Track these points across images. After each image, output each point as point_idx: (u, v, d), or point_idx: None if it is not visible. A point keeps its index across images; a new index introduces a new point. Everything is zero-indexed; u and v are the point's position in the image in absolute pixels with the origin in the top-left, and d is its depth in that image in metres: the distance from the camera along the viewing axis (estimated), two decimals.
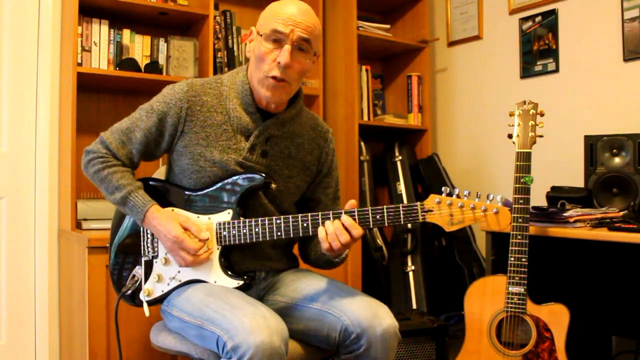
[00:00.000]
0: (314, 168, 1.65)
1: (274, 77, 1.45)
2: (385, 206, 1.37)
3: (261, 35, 1.46)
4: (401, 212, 1.36)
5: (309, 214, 1.42)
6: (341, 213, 1.38)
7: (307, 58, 1.49)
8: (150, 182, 1.59)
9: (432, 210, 1.35)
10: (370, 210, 1.37)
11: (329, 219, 1.39)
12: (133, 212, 1.50)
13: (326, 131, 1.68)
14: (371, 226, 1.38)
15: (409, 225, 2.94)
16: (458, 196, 1.36)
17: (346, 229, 1.36)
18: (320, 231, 1.38)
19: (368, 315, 1.39)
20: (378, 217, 1.37)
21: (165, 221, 1.47)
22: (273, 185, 1.51)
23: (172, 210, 1.53)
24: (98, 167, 1.52)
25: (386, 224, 1.37)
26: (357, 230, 1.36)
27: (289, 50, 1.43)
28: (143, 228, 1.56)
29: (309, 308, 1.47)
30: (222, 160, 1.51)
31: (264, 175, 1.50)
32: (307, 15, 1.47)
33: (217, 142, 1.52)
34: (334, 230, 1.36)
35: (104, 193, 1.55)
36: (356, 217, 1.37)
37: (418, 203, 1.36)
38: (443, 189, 1.35)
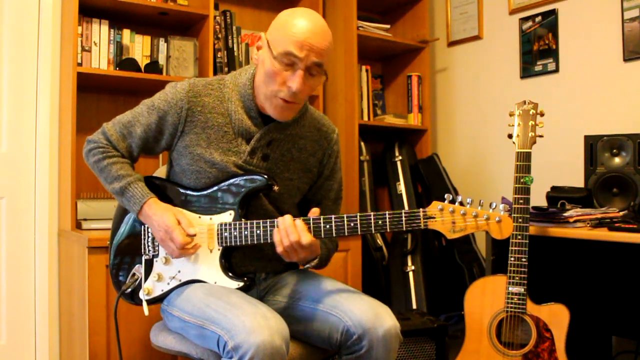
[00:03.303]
0: (316, 170, 1.64)
1: (283, 99, 1.43)
2: (387, 212, 1.36)
3: (272, 50, 1.40)
4: (403, 218, 1.35)
5: (310, 217, 1.41)
6: (330, 218, 1.39)
7: (318, 81, 1.45)
8: (152, 181, 1.59)
9: (434, 217, 1.35)
10: (372, 216, 1.37)
11: (330, 222, 1.39)
12: (130, 202, 1.50)
13: (331, 132, 1.65)
14: (373, 232, 1.38)
15: None
16: (461, 203, 1.35)
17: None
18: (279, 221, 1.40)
19: (370, 316, 1.38)
20: (380, 222, 1.36)
21: (160, 212, 1.47)
22: (275, 188, 1.50)
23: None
24: (98, 157, 1.54)
25: (388, 230, 1.36)
26: (305, 236, 1.36)
27: (302, 76, 1.39)
28: (144, 227, 1.56)
29: (310, 309, 1.47)
30: (221, 162, 1.51)
31: (266, 176, 1.49)
32: (323, 36, 1.40)
33: (217, 143, 1.51)
34: (285, 228, 1.37)
35: (102, 183, 1.56)
36: (311, 224, 1.39)
37: (420, 210, 1.35)
38: (446, 195, 1.35)
